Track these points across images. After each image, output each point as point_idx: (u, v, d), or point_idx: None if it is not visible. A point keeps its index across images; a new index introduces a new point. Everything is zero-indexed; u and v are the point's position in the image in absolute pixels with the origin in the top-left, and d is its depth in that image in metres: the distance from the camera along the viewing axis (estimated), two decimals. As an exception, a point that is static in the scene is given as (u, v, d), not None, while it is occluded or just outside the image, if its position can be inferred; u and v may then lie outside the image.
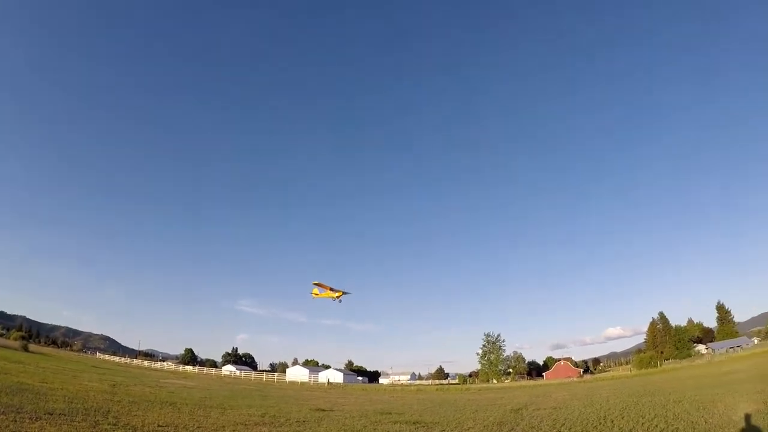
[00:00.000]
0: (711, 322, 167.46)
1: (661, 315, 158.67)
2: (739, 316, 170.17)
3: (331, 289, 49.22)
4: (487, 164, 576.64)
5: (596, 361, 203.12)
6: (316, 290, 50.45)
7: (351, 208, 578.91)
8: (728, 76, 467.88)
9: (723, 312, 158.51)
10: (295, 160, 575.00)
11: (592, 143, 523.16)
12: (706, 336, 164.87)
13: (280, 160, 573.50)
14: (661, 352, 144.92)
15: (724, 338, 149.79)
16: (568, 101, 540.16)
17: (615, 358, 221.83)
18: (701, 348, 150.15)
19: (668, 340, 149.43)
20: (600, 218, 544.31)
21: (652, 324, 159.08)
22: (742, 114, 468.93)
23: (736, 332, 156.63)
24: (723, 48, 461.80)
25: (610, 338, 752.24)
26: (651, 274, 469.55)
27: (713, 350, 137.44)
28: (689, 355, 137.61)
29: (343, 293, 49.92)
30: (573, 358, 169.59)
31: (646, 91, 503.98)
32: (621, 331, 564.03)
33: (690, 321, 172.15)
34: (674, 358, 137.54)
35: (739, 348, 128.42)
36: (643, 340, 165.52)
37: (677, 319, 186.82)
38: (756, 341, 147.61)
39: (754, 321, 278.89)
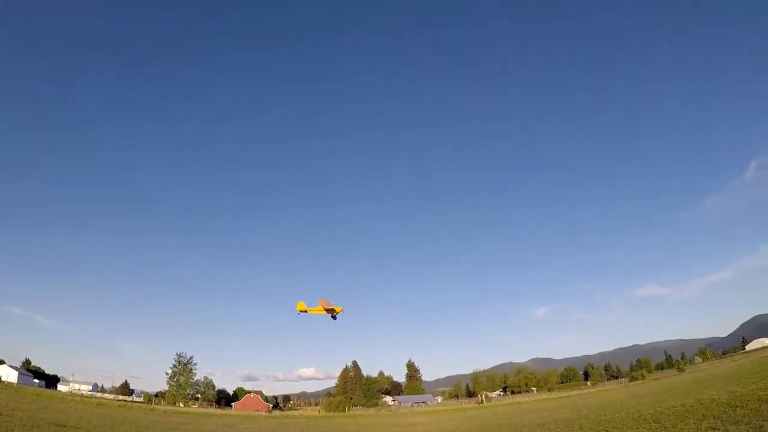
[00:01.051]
0: (401, 377, 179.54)
1: (355, 364, 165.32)
2: (427, 375, 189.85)
3: (325, 309, 44.65)
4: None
5: (287, 398, 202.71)
6: (303, 304, 45.95)
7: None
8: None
9: (412, 369, 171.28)
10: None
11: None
12: (394, 389, 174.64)
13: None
14: (351, 398, 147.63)
15: (411, 393, 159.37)
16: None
17: (305, 398, 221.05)
18: (389, 399, 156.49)
19: (359, 388, 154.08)
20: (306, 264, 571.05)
21: (345, 371, 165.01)
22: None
23: (423, 389, 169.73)
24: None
25: (302, 378, 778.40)
26: (350, 324, 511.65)
27: (399, 403, 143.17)
28: (377, 404, 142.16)
29: (338, 311, 45.31)
30: (264, 392, 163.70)
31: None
32: (314, 372, 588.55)
33: (381, 373, 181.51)
34: (362, 405, 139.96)
35: (423, 403, 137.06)
36: (335, 385, 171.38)
37: (369, 369, 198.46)
38: (440, 399, 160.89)
39: (439, 382, 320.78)
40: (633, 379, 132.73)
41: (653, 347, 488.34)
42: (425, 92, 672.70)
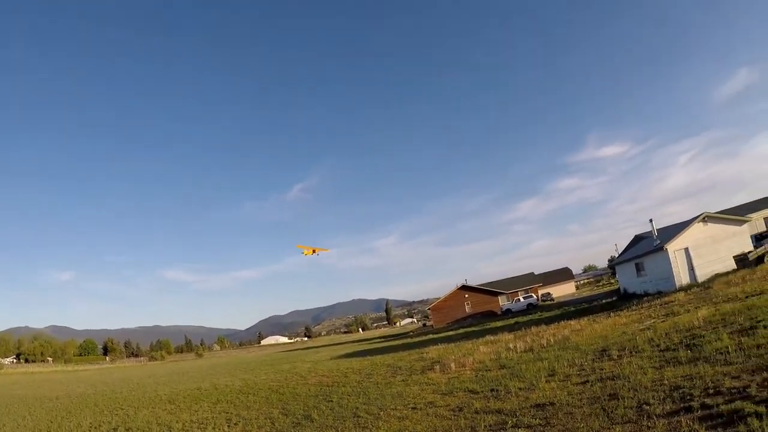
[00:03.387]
0: None
1: None
2: None
3: (313, 250, 51.37)
4: None
5: None
6: (306, 251, 51.83)
7: None
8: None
9: None
10: None
11: None
12: None
13: None
14: None
15: None
16: None
17: None
18: None
19: None
20: None
21: None
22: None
23: None
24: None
25: None
26: None
27: None
28: None
29: (319, 250, 52.44)
30: None
31: None
32: None
33: None
34: None
35: None
36: None
37: None
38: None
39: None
40: (152, 358, 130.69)
41: (175, 330, 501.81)
42: None
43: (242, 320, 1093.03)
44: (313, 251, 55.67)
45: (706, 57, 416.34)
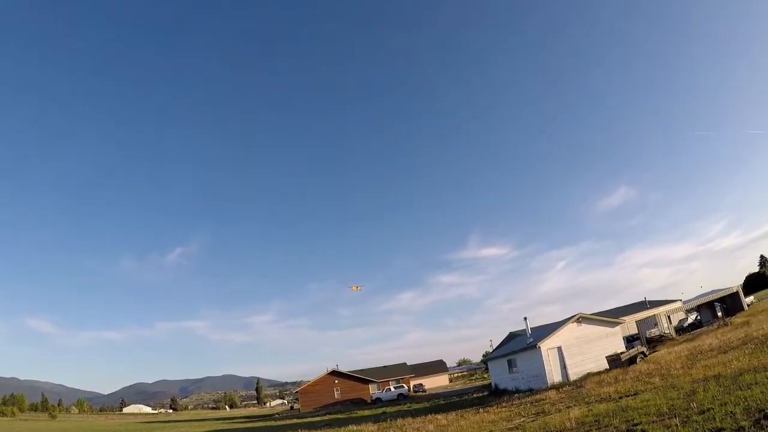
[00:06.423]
0: None
1: None
2: None
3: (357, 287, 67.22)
4: None
5: None
6: (354, 288, 67.08)
7: None
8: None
9: None
10: None
11: None
12: None
13: None
14: None
15: None
16: None
17: None
18: None
19: None
20: None
21: None
22: None
23: None
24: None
25: None
26: None
27: None
28: None
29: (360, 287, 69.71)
30: None
31: None
32: None
33: None
34: None
35: None
36: None
37: None
38: None
39: None
40: (2, 413, 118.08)
41: (33, 385, 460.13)
42: None
43: (106, 384, 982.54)
44: (357, 288, 68.68)
45: (590, 176, 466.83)
